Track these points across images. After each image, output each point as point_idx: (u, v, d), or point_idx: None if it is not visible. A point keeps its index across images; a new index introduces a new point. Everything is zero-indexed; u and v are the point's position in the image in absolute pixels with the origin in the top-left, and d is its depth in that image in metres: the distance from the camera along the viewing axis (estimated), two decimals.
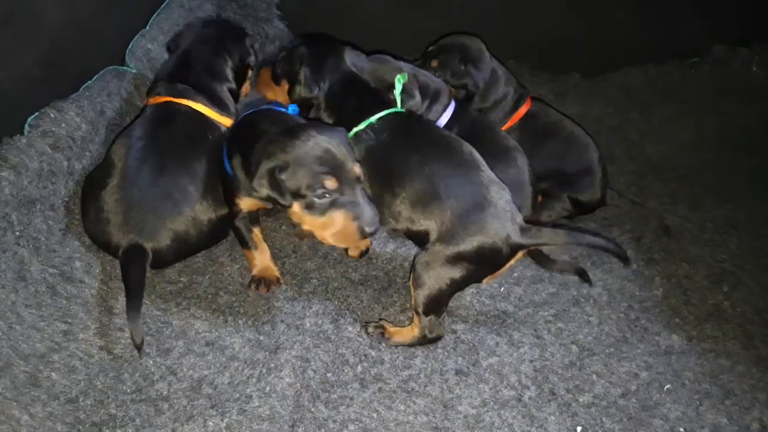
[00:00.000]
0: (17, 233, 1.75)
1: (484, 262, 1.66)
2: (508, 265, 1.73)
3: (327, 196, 1.61)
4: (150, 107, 2.01)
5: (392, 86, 1.97)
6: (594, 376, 1.73)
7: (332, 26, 2.37)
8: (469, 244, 1.63)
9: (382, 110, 1.83)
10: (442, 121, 2.07)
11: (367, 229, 1.62)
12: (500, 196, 1.68)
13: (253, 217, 1.93)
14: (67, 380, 1.56)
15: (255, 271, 1.91)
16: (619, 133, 2.81)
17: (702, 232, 2.28)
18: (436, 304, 1.69)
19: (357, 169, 1.64)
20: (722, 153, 2.74)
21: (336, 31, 2.22)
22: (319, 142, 1.62)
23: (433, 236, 1.68)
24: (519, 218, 1.68)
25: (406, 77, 1.99)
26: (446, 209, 1.65)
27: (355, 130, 1.81)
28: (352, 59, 1.99)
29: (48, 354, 1.60)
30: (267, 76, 2.12)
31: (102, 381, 1.58)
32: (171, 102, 1.99)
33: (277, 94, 2.09)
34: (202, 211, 1.88)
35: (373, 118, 1.81)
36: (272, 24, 2.91)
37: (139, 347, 1.63)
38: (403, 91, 1.97)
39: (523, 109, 2.34)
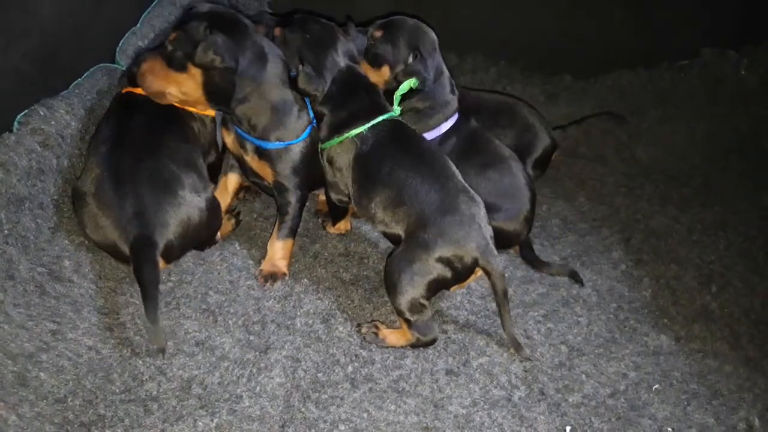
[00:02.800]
0: (6, 231, 1.74)
1: (447, 268, 1.70)
2: (471, 278, 1.77)
3: None
4: (113, 100, 2.04)
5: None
6: (583, 376, 1.74)
7: None
8: (431, 247, 1.68)
9: (377, 116, 1.86)
10: (442, 129, 2.08)
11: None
12: (468, 207, 1.73)
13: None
14: (55, 380, 1.55)
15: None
16: (610, 135, 2.83)
17: (691, 234, 2.30)
18: (415, 307, 1.71)
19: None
20: (712, 155, 2.77)
21: None
22: None
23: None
24: (488, 234, 1.73)
25: (416, 83, 1.98)
26: (411, 214, 1.73)
27: (346, 135, 1.84)
28: (345, 49, 1.95)
29: (36, 353, 1.59)
30: None
31: (91, 381, 1.57)
32: (130, 92, 1.99)
33: None
34: (192, 185, 1.86)
35: (365, 127, 1.84)
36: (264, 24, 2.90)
37: (162, 350, 1.63)
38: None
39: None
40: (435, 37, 2.08)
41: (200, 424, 1.50)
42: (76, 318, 1.71)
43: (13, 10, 1.88)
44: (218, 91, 1.85)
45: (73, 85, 2.08)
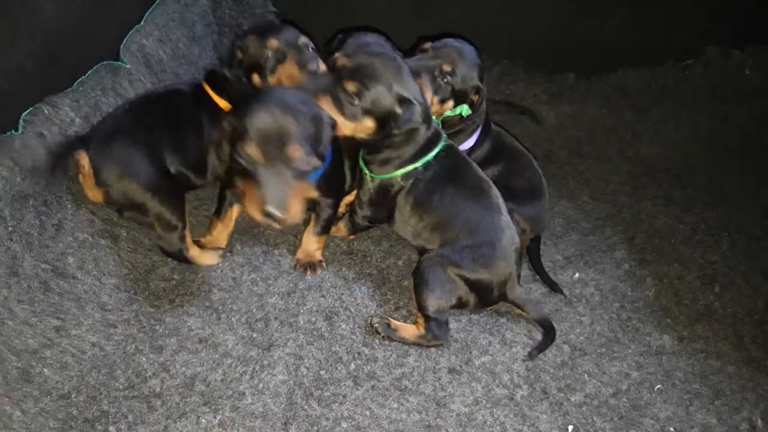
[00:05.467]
0: (10, 228, 1.74)
1: (478, 294, 1.82)
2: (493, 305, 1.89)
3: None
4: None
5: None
6: (585, 375, 1.74)
7: (328, 24, 2.37)
8: (472, 272, 1.79)
9: (436, 145, 1.87)
10: (475, 137, 2.11)
11: (267, 208, 1.60)
12: (511, 243, 1.83)
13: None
14: (59, 376, 1.56)
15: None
16: (614, 134, 2.83)
17: (694, 233, 2.30)
18: (439, 305, 1.76)
19: (295, 152, 1.61)
20: (715, 154, 2.76)
21: (331, 29, 2.21)
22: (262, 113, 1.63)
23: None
24: (516, 271, 1.85)
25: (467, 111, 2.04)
26: (456, 240, 1.82)
27: (412, 166, 1.85)
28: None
29: (40, 350, 1.60)
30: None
31: (94, 377, 1.58)
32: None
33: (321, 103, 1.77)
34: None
35: (429, 157, 1.85)
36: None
37: None
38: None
39: None
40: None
41: (203, 420, 1.50)
42: (80, 314, 1.72)
43: (17, 9, 1.88)
44: None
45: (77, 82, 2.08)
